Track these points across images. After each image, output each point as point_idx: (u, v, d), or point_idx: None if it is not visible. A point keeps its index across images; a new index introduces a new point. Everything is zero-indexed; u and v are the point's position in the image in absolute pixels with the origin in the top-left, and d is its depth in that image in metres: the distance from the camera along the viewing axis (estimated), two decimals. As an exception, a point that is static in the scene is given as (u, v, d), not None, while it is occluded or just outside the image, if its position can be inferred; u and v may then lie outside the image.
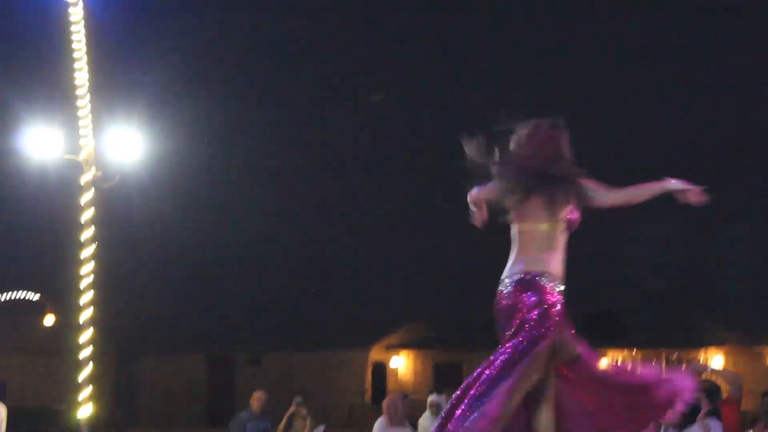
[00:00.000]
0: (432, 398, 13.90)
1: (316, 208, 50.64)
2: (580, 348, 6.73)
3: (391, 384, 39.61)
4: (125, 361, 41.39)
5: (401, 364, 41.25)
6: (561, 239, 6.81)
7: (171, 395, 41.20)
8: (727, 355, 36.12)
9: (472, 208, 6.96)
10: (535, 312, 6.68)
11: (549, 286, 6.73)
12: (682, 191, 6.72)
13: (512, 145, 6.83)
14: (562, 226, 6.80)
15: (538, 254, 6.76)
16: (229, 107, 46.06)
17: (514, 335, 6.79)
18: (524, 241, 6.79)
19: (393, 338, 41.66)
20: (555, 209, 6.72)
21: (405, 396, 14.10)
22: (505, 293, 6.91)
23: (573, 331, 6.77)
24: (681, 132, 47.41)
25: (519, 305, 6.79)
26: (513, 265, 6.86)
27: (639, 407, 6.62)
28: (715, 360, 34.61)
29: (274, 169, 48.89)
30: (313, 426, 14.61)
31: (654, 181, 6.76)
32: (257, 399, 14.95)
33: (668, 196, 6.77)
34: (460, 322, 41.20)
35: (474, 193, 6.90)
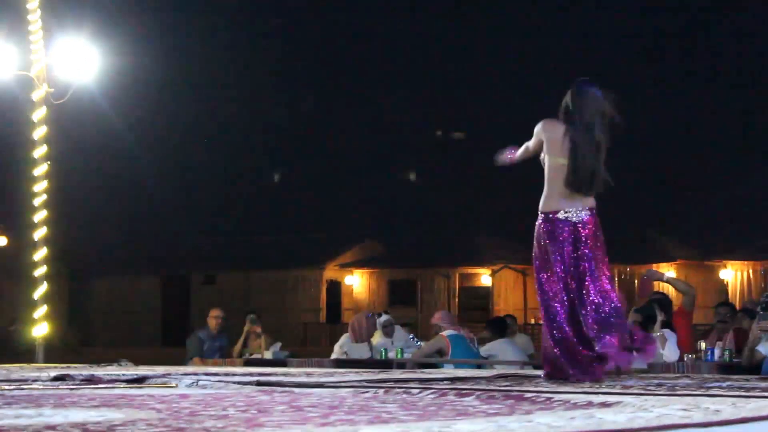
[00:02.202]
0: (384, 319, 13.87)
1: (274, 127, 50.46)
2: None
3: (345, 302, 39.75)
4: (79, 282, 41.18)
5: (356, 282, 41.38)
6: None
7: (125, 315, 41.20)
8: (678, 269, 36.43)
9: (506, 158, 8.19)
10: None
11: None
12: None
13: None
14: None
15: None
16: (188, 22, 45.50)
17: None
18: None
19: (347, 256, 41.73)
20: None
21: (371, 314, 14.07)
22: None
23: None
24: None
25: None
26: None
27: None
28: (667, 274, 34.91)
29: (231, 89, 48.58)
30: (269, 344, 14.59)
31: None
32: (214, 317, 14.90)
33: None
34: (413, 240, 41.35)
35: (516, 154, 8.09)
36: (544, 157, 7.74)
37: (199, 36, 46.87)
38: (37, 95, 14.87)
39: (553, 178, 7.63)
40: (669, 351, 11.15)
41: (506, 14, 52.21)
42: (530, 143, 7.81)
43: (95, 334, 40.49)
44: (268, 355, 14.00)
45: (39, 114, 14.87)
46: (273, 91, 50.49)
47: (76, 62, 14.87)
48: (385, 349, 12.95)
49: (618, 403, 4.51)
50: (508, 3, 52.29)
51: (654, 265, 34.81)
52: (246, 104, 49.73)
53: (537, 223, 7.68)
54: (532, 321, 36.89)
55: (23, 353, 16.65)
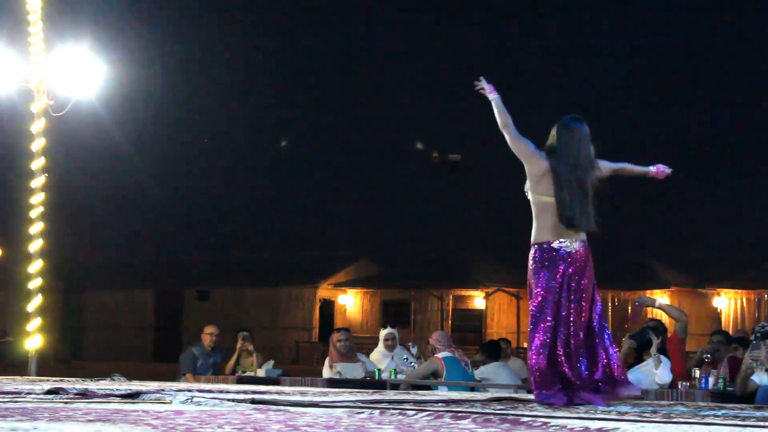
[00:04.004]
0: (387, 331, 13.84)
1: (271, 146, 50.46)
2: None
3: (338, 321, 39.69)
4: (73, 294, 41.13)
5: (349, 301, 41.34)
6: None
7: (118, 329, 41.12)
8: (671, 296, 36.46)
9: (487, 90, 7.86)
10: None
11: None
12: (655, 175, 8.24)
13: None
14: None
15: None
16: (189, 36, 45.49)
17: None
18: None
19: (341, 275, 41.70)
20: None
21: (340, 330, 14.05)
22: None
23: None
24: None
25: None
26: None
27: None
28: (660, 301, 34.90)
29: (228, 105, 48.58)
30: (261, 361, 14.55)
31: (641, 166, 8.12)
32: (209, 334, 14.86)
33: None
34: (407, 261, 41.32)
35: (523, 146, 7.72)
36: (528, 191, 7.73)
37: (200, 52, 46.90)
38: (36, 107, 14.86)
39: (540, 214, 7.64)
40: (662, 372, 11.17)
41: (504, 37, 52.33)
42: (517, 137, 7.68)
43: (87, 348, 40.42)
44: (260, 372, 13.96)
45: (38, 126, 14.85)
46: (272, 108, 50.52)
47: (76, 74, 14.87)
48: (379, 370, 12.91)
49: (615, 429, 4.50)
50: (507, 24, 52.44)
51: (648, 291, 34.89)
52: (244, 120, 49.76)
53: (531, 254, 7.67)
54: (525, 344, 36.77)
55: (15, 365, 16.60)
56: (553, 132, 7.76)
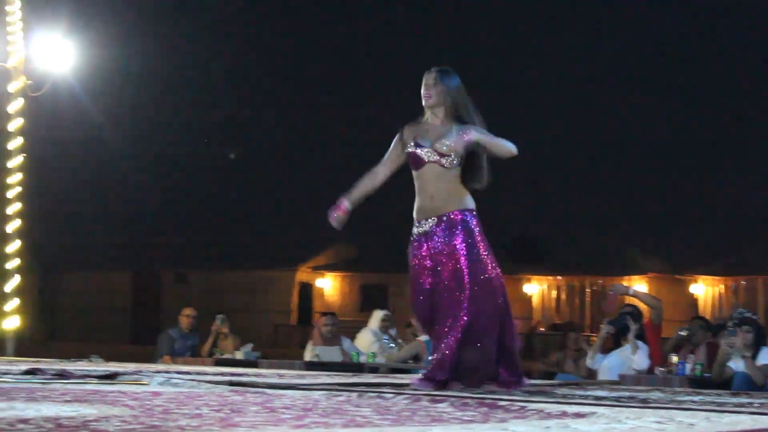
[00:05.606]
0: (384, 312, 13.82)
1: (249, 128, 50.29)
2: None
3: (317, 305, 39.65)
4: (50, 276, 40.96)
5: (328, 285, 41.31)
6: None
7: (95, 311, 41.00)
8: (649, 283, 36.58)
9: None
10: None
11: None
12: None
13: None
14: None
15: None
16: (165, 16, 45.29)
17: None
18: None
19: (319, 259, 41.68)
20: None
21: (327, 314, 13.98)
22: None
23: None
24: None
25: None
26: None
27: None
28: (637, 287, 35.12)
29: (205, 84, 48.42)
30: (238, 344, 14.51)
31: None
32: (186, 316, 14.83)
33: None
34: (386, 245, 41.31)
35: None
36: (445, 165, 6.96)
37: (180, 31, 46.70)
38: (13, 87, 14.80)
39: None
40: (640, 357, 11.22)
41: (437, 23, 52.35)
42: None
43: (64, 329, 40.29)
44: (239, 355, 13.93)
45: (15, 106, 14.80)
46: (250, 87, 50.37)
47: (54, 55, 14.81)
48: (357, 353, 12.89)
49: (592, 414, 4.51)
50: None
51: (625, 278, 35.01)
52: (222, 102, 49.63)
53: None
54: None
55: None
56: (458, 92, 7.06)
